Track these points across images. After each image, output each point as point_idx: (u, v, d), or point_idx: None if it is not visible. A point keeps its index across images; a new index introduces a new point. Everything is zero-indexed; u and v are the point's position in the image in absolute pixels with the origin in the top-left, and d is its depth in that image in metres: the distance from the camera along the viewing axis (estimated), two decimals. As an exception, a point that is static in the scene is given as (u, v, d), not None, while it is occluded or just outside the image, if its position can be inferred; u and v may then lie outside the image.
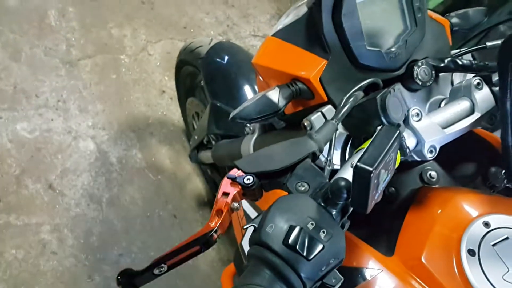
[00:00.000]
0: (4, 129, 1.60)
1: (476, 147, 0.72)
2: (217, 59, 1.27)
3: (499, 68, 0.56)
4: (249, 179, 0.51)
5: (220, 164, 1.21)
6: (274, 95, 0.63)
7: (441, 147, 0.61)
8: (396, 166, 0.54)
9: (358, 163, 0.42)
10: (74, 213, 1.55)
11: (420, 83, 0.65)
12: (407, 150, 0.58)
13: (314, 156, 0.53)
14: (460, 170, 0.73)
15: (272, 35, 0.73)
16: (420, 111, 0.60)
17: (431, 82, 0.66)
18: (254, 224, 0.47)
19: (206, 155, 1.32)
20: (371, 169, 0.41)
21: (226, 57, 1.26)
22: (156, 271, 0.52)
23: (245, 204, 0.96)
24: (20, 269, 1.43)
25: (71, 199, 1.57)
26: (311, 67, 0.63)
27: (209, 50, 1.30)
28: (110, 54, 1.97)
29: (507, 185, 0.65)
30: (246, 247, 0.84)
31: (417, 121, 0.59)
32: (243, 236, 0.94)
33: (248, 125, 0.95)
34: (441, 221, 0.62)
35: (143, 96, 1.91)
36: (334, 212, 0.47)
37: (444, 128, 0.62)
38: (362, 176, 0.42)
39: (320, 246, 0.43)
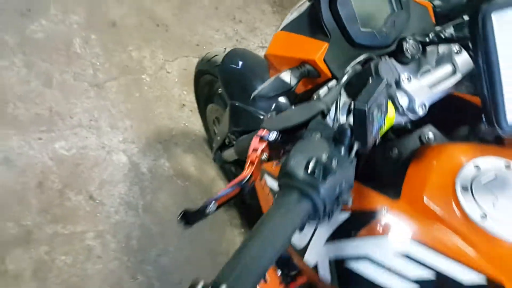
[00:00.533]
0: (44, 149, 1.76)
1: (465, 109, 0.84)
2: (232, 65, 1.41)
3: (470, 34, 0.67)
4: (273, 133, 0.64)
5: (243, 157, 1.34)
6: (287, 76, 0.77)
7: (436, 113, 0.74)
8: (391, 122, 0.66)
9: (355, 104, 0.55)
10: (114, 220, 1.70)
11: (409, 56, 0.76)
12: (401, 108, 0.70)
13: (323, 114, 0.65)
14: (455, 131, 0.85)
15: (280, 30, 0.87)
16: (410, 76, 0.73)
17: (419, 55, 0.77)
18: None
19: (229, 153, 1.46)
20: (364, 107, 0.54)
21: (240, 62, 1.41)
22: (207, 211, 0.67)
23: (269, 181, 1.08)
24: (70, 273, 1.57)
25: (111, 207, 1.72)
26: (316, 50, 0.76)
27: (224, 58, 1.45)
28: (132, 74, 2.14)
29: (496, 134, 0.76)
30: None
31: (408, 84, 0.72)
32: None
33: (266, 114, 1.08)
34: (437, 167, 0.73)
35: (165, 110, 2.07)
36: (342, 149, 0.59)
37: (431, 88, 0.74)
38: (359, 113, 0.55)
39: (332, 171, 0.54)
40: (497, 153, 0.73)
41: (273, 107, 1.30)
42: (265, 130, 0.64)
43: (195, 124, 2.09)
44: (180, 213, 0.67)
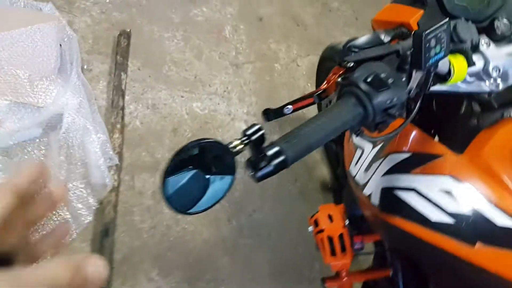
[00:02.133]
0: (184, 105, 2.14)
1: None
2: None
3: None
4: (351, 64, 0.81)
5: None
6: (382, 34, 0.93)
7: None
8: (463, 74, 0.75)
9: (415, 31, 0.69)
10: (224, 171, 1.97)
11: (499, 33, 0.84)
12: (472, 61, 0.77)
13: (397, 53, 0.75)
14: None
15: (391, 3, 1.04)
16: (489, 41, 0.82)
17: (509, 33, 0.85)
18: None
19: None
20: (422, 32, 0.64)
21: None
22: (285, 111, 0.87)
23: (355, 139, 1.23)
24: (181, 204, 1.87)
25: (224, 160, 2.00)
26: (412, 15, 0.91)
27: (344, 44, 1.64)
28: (267, 62, 2.46)
29: None
30: (353, 172, 1.12)
31: (486, 48, 0.81)
32: (350, 163, 1.21)
33: None
34: (503, 132, 0.82)
35: (288, 95, 2.33)
36: (403, 76, 0.72)
37: (509, 56, 0.82)
38: (415, 37, 0.65)
39: (386, 85, 0.67)
40: None
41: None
42: (345, 62, 0.80)
43: (312, 112, 2.29)
44: (263, 110, 0.89)
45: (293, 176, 2.09)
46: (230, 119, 2.19)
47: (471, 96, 0.96)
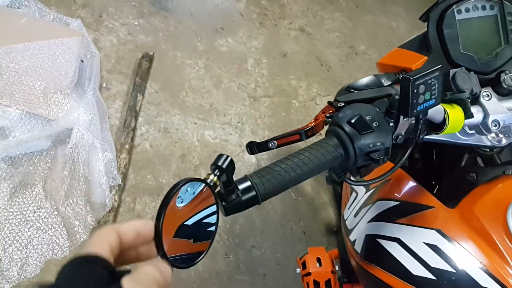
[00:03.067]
0: (196, 132, 2.15)
1: None
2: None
3: None
4: (341, 103, 0.78)
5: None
6: (382, 76, 0.90)
7: None
8: (460, 125, 0.71)
9: (403, 75, 0.66)
10: (227, 203, 1.95)
11: (505, 87, 0.80)
12: (470, 113, 0.72)
13: (389, 96, 0.72)
14: None
15: (398, 47, 1.03)
16: (490, 94, 0.78)
17: None
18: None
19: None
20: (409, 77, 0.59)
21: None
22: (269, 145, 0.85)
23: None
24: (179, 231, 1.85)
25: (228, 192, 1.98)
26: (415, 61, 0.89)
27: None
28: (285, 97, 2.46)
29: None
30: (346, 215, 1.09)
31: (486, 100, 0.77)
32: (345, 206, 1.18)
33: None
34: (500, 189, 0.78)
35: (303, 132, 2.30)
36: (390, 121, 0.68)
37: (510, 111, 0.78)
38: (403, 82, 0.60)
39: (370, 129, 0.64)
40: None
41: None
42: (336, 102, 0.78)
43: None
44: (248, 143, 0.88)
45: (298, 215, 2.05)
46: (240, 151, 2.18)
47: (473, 150, 0.92)
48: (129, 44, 2.32)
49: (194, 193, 0.51)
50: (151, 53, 2.28)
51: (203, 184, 0.51)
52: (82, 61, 1.95)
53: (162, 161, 2.02)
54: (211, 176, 0.54)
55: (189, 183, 0.49)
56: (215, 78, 2.41)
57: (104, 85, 2.11)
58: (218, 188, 0.58)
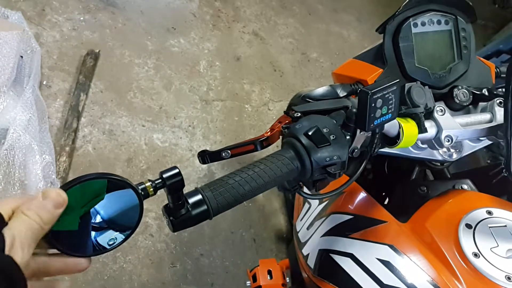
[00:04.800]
0: (144, 135, 2.08)
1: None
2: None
3: (506, 78, 0.72)
4: (297, 114, 0.76)
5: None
6: (338, 87, 0.89)
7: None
8: (413, 139, 0.71)
9: (361, 88, 0.65)
10: (175, 209, 1.89)
11: (458, 102, 0.82)
12: (424, 127, 0.72)
13: (346, 108, 0.71)
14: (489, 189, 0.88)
15: (353, 58, 1.02)
16: (444, 109, 0.79)
17: (467, 103, 0.83)
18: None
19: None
20: (368, 91, 0.58)
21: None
22: (223, 154, 0.82)
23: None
24: (123, 239, 1.77)
25: (177, 198, 1.92)
26: (370, 73, 0.88)
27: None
28: (238, 102, 2.44)
29: None
30: (298, 227, 1.07)
31: (440, 115, 0.78)
32: (297, 217, 1.16)
33: None
34: (451, 204, 0.79)
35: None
36: (347, 134, 0.67)
37: (463, 126, 0.79)
38: (361, 95, 0.60)
39: (327, 142, 0.63)
40: None
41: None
42: (292, 111, 0.75)
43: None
44: (199, 152, 0.84)
45: (249, 222, 2.02)
46: (191, 155, 2.13)
47: (424, 163, 0.93)
48: (73, 40, 2.21)
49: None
50: (97, 51, 2.18)
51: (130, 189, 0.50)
52: (22, 56, 1.83)
53: (106, 165, 1.93)
54: (147, 184, 0.52)
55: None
56: (166, 79, 2.35)
57: (44, 82, 2.00)
58: (166, 202, 0.55)
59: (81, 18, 2.31)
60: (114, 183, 0.50)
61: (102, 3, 2.42)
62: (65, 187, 0.45)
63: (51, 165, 1.68)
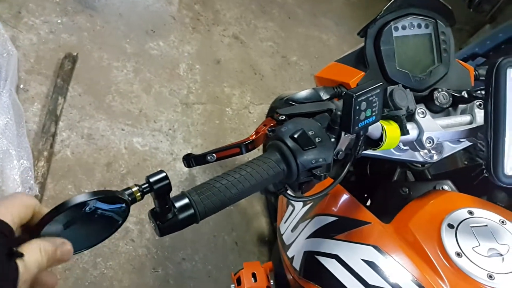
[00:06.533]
0: (123, 139, 2.06)
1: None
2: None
3: (485, 81, 0.74)
4: (282, 117, 0.77)
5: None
6: (321, 90, 0.90)
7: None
8: (396, 141, 0.72)
9: (346, 91, 0.66)
10: (156, 214, 1.88)
11: (438, 104, 0.84)
12: (406, 129, 0.73)
13: (330, 111, 0.72)
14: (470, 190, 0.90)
15: (335, 61, 1.03)
16: (425, 111, 0.80)
17: (447, 106, 0.85)
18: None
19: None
20: (352, 94, 0.60)
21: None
22: (208, 158, 0.82)
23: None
24: (103, 244, 1.75)
25: (158, 202, 1.91)
26: (352, 76, 0.90)
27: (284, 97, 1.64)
28: (219, 105, 2.44)
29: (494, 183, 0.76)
30: (282, 229, 1.08)
31: (421, 117, 0.79)
32: (281, 219, 1.17)
33: None
34: (433, 204, 0.81)
35: (235, 141, 2.28)
36: (332, 137, 0.68)
37: (444, 128, 0.80)
38: (346, 98, 0.61)
39: (313, 144, 0.63)
40: (498, 211, 0.78)
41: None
42: (277, 114, 0.76)
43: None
44: (184, 156, 0.84)
45: (230, 225, 2.02)
46: (171, 159, 2.12)
47: (405, 164, 0.95)
48: (51, 43, 2.17)
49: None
50: (75, 54, 2.15)
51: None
52: (-4, 59, 1.79)
53: (85, 169, 1.90)
54: (134, 188, 0.52)
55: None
56: (145, 82, 2.33)
57: (21, 86, 1.96)
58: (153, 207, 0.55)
59: (59, 21, 2.27)
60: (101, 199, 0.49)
61: (80, 6, 2.39)
62: (48, 218, 0.47)
63: (29, 170, 1.65)
